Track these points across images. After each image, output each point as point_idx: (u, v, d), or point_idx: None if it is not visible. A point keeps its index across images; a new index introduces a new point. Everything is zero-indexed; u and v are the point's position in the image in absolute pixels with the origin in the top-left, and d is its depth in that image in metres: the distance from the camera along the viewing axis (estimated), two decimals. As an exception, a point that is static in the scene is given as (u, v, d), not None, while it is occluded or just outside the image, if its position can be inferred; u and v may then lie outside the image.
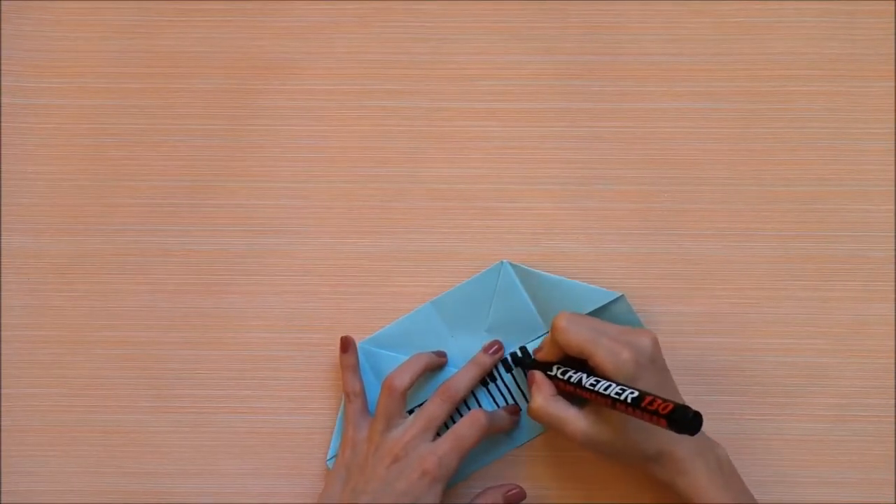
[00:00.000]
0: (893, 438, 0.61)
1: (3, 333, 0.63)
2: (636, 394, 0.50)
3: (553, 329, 0.56)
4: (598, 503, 0.61)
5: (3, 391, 0.62)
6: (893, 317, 0.61)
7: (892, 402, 0.61)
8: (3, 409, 0.62)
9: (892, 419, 0.61)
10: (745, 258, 0.62)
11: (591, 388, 0.53)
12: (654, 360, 0.55)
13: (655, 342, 0.56)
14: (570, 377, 0.55)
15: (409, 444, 0.56)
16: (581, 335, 0.55)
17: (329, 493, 0.58)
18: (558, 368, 0.57)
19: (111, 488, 0.62)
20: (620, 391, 0.51)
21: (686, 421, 0.48)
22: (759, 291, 0.62)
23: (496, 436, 0.61)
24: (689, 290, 0.62)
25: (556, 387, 0.57)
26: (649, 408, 0.49)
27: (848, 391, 0.61)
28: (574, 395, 0.56)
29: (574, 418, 0.55)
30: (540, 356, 0.59)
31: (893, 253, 0.62)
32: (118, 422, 0.62)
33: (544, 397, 0.56)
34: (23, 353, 0.63)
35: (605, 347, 0.54)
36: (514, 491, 0.59)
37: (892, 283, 0.62)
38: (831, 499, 0.60)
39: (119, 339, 0.63)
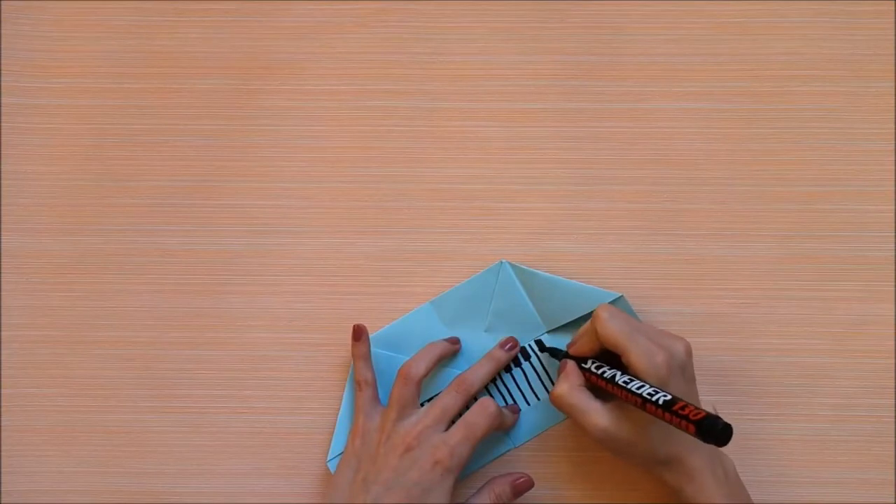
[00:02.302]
0: (893, 438, 0.61)
1: (3, 333, 0.63)
2: (669, 397, 0.50)
3: (594, 318, 0.56)
4: (598, 503, 0.61)
5: (3, 391, 0.62)
6: (893, 317, 0.61)
7: (892, 402, 0.61)
8: (3, 409, 0.62)
9: (892, 419, 0.61)
10: (745, 258, 0.62)
11: (624, 385, 0.53)
12: (684, 369, 0.55)
13: (689, 351, 0.56)
14: (604, 372, 0.55)
15: (422, 433, 0.56)
16: (620, 329, 0.55)
17: (339, 483, 0.58)
18: (593, 363, 0.57)
19: (111, 488, 0.62)
20: (653, 392, 0.51)
21: (715, 431, 0.47)
22: (759, 291, 0.62)
23: (495, 435, 0.61)
24: (689, 290, 0.62)
25: (587, 380, 0.57)
26: (680, 412, 0.49)
27: (848, 391, 0.61)
28: (602, 390, 0.56)
29: (596, 411, 0.55)
30: (573, 350, 0.59)
31: (893, 253, 0.62)
32: (118, 422, 0.62)
33: (570, 385, 0.56)
34: (23, 353, 0.63)
35: (642, 346, 0.54)
36: (522, 479, 0.59)
37: (892, 283, 0.61)
38: (831, 499, 0.60)
39: (119, 339, 0.63)
